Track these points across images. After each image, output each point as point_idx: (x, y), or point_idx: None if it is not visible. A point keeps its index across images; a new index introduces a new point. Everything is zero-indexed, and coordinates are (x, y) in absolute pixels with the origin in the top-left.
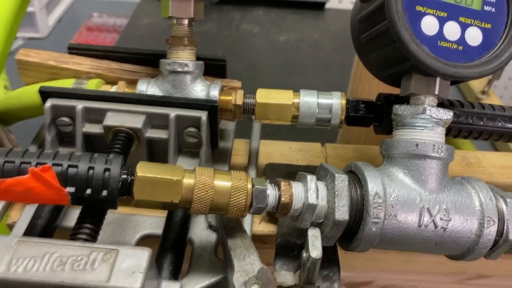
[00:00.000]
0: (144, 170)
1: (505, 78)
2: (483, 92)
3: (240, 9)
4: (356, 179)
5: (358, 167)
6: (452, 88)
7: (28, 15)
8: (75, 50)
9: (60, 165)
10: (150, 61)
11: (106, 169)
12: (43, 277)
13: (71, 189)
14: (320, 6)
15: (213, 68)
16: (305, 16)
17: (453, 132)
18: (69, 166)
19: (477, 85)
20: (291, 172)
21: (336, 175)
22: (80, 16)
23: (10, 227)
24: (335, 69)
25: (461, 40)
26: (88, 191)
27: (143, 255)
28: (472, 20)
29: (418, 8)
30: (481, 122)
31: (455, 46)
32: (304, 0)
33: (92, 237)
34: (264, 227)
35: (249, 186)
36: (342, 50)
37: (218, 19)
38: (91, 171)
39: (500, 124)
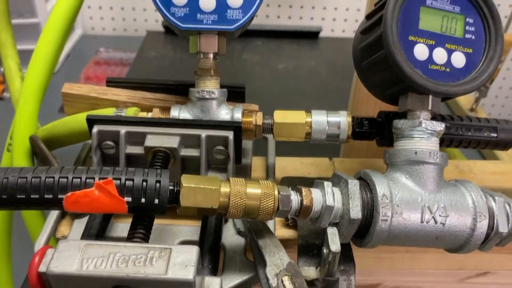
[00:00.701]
0: (188, 181)
1: (492, 96)
2: (472, 110)
3: (240, 40)
4: (365, 184)
5: (367, 173)
6: (444, 106)
7: None
8: (112, 83)
9: (119, 178)
10: (179, 90)
11: (157, 181)
12: (111, 272)
13: (128, 199)
14: (315, 35)
15: (234, 94)
16: (301, 45)
17: (446, 143)
18: (126, 179)
19: (465, 103)
20: (305, 184)
21: (349, 180)
22: (88, 51)
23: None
24: (332, 93)
25: (448, 63)
26: (143, 200)
27: (193, 252)
28: (456, 46)
29: (410, 37)
30: (469, 133)
31: (443, 68)
32: (300, 30)
33: (145, 240)
34: (285, 232)
35: (276, 192)
36: (337, 75)
37: None
38: (145, 183)
39: (485, 133)
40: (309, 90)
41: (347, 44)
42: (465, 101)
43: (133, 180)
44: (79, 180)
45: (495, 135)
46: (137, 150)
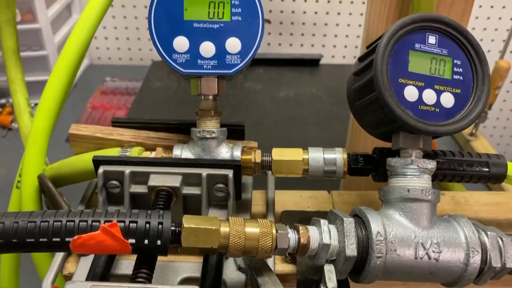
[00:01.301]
0: (189, 221)
1: (493, 118)
2: (471, 134)
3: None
4: (360, 221)
5: (362, 211)
6: None
7: None
8: (117, 123)
9: (123, 221)
10: (181, 129)
11: (160, 223)
12: None
13: (132, 241)
14: (315, 63)
15: (234, 132)
16: (302, 72)
17: (439, 177)
18: (130, 221)
19: None
20: (304, 218)
21: (344, 218)
22: (95, 81)
23: (66, 277)
24: (332, 120)
25: (438, 104)
26: (146, 241)
27: None
28: (445, 87)
29: (400, 80)
30: (462, 168)
31: (433, 108)
32: (300, 58)
33: (149, 280)
34: (284, 267)
35: (274, 231)
36: (338, 102)
37: None
38: (148, 225)
39: (477, 168)
40: (309, 117)
41: (347, 71)
42: None
43: (136, 222)
44: (85, 223)
45: (487, 169)
46: (141, 189)
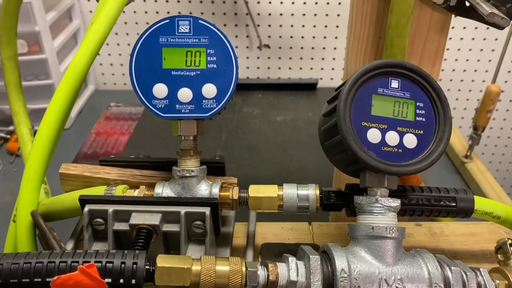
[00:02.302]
0: (162, 261)
1: (494, 137)
2: (466, 156)
3: (241, 94)
4: (327, 258)
5: (329, 248)
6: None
7: None
8: (105, 162)
9: (100, 261)
10: (164, 167)
11: (134, 263)
12: None
13: (108, 280)
14: (313, 87)
15: (214, 169)
16: (299, 96)
17: (409, 212)
18: (107, 262)
19: (460, 150)
20: (283, 251)
21: (311, 256)
22: (99, 106)
23: None
24: None
25: (400, 145)
26: (121, 280)
27: None
28: (408, 129)
29: (363, 123)
30: (430, 203)
31: (395, 149)
32: (298, 83)
33: None
34: None
35: (243, 269)
36: None
37: None
38: (123, 265)
39: (445, 204)
40: (305, 140)
41: None
42: (459, 147)
43: (112, 262)
44: (65, 264)
45: (454, 204)
46: (123, 226)
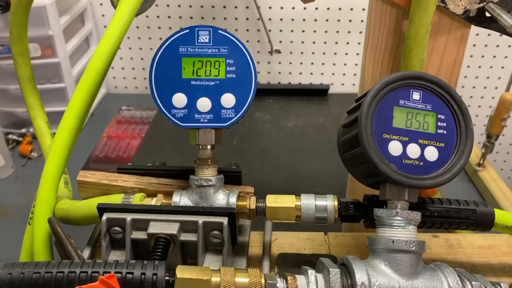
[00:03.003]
0: (182, 272)
1: (507, 144)
2: (479, 165)
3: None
4: (347, 271)
5: (348, 261)
6: None
7: None
8: (122, 170)
9: (120, 272)
10: (181, 175)
11: (154, 274)
12: None
13: None
14: (324, 93)
15: (232, 178)
16: (311, 102)
17: (428, 225)
18: (127, 273)
19: (473, 157)
20: (299, 261)
21: (331, 269)
22: (110, 110)
23: None
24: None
25: (421, 158)
26: None
27: None
28: (429, 141)
29: (385, 135)
30: (449, 215)
31: (416, 162)
32: (309, 88)
33: None
34: None
35: (263, 281)
36: None
37: None
38: (143, 276)
39: (465, 216)
40: (316, 147)
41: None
42: (473, 156)
43: (132, 273)
44: (85, 274)
45: (474, 217)
46: (141, 235)
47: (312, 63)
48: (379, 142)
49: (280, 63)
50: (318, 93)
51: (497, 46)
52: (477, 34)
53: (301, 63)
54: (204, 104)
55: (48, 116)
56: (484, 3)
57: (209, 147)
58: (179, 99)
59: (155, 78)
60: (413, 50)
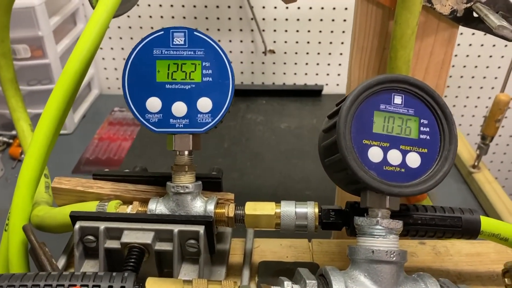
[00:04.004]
0: (152, 285)
1: (504, 144)
2: (474, 166)
3: (245, 100)
4: (325, 282)
5: (326, 272)
6: None
7: None
8: (98, 176)
9: (87, 285)
10: (159, 181)
11: (122, 287)
12: None
13: None
14: (318, 93)
15: (211, 184)
16: (304, 103)
17: (412, 232)
18: (94, 285)
19: (468, 159)
20: (281, 269)
21: (307, 281)
22: (103, 111)
23: None
24: None
25: (403, 164)
26: None
27: None
28: (411, 147)
29: (364, 141)
30: (434, 223)
31: (398, 169)
32: (302, 89)
33: None
34: None
35: None
36: None
37: None
38: None
39: (450, 224)
40: (308, 149)
41: None
42: (466, 157)
43: (99, 286)
44: (49, 287)
45: (460, 225)
46: (115, 244)
47: (307, 63)
48: (358, 148)
49: (274, 63)
50: (312, 93)
51: (493, 45)
52: (473, 34)
53: (295, 64)
54: (179, 108)
55: (38, 118)
56: (472, 3)
57: (186, 153)
58: (154, 104)
59: (128, 82)
60: (399, 51)
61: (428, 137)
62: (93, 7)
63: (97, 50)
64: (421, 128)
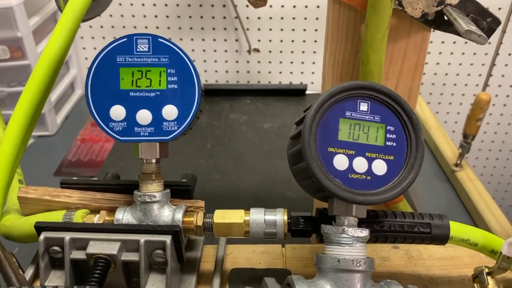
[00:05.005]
0: None
1: (489, 141)
2: (457, 165)
3: (229, 100)
4: None
5: (292, 281)
6: (430, 158)
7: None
8: (66, 184)
9: None
10: (128, 189)
11: None
12: None
13: None
14: (302, 93)
15: (181, 192)
16: (288, 102)
17: (381, 239)
18: None
19: (451, 157)
20: (253, 277)
21: None
22: (86, 112)
23: None
24: None
25: (369, 171)
26: None
27: None
28: (377, 154)
29: (330, 149)
30: (403, 229)
31: (363, 177)
32: (286, 88)
33: None
34: None
35: None
36: None
37: (209, 110)
38: None
39: (419, 230)
40: None
41: None
42: (451, 155)
43: None
44: None
45: (429, 231)
46: (81, 255)
47: (292, 62)
48: (323, 156)
49: (259, 62)
50: (296, 93)
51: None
52: None
53: (280, 62)
54: (144, 116)
55: None
56: (442, 6)
57: (153, 161)
58: (117, 112)
59: (91, 90)
60: (370, 55)
61: (394, 144)
62: (61, 11)
63: (66, 54)
64: (388, 135)
